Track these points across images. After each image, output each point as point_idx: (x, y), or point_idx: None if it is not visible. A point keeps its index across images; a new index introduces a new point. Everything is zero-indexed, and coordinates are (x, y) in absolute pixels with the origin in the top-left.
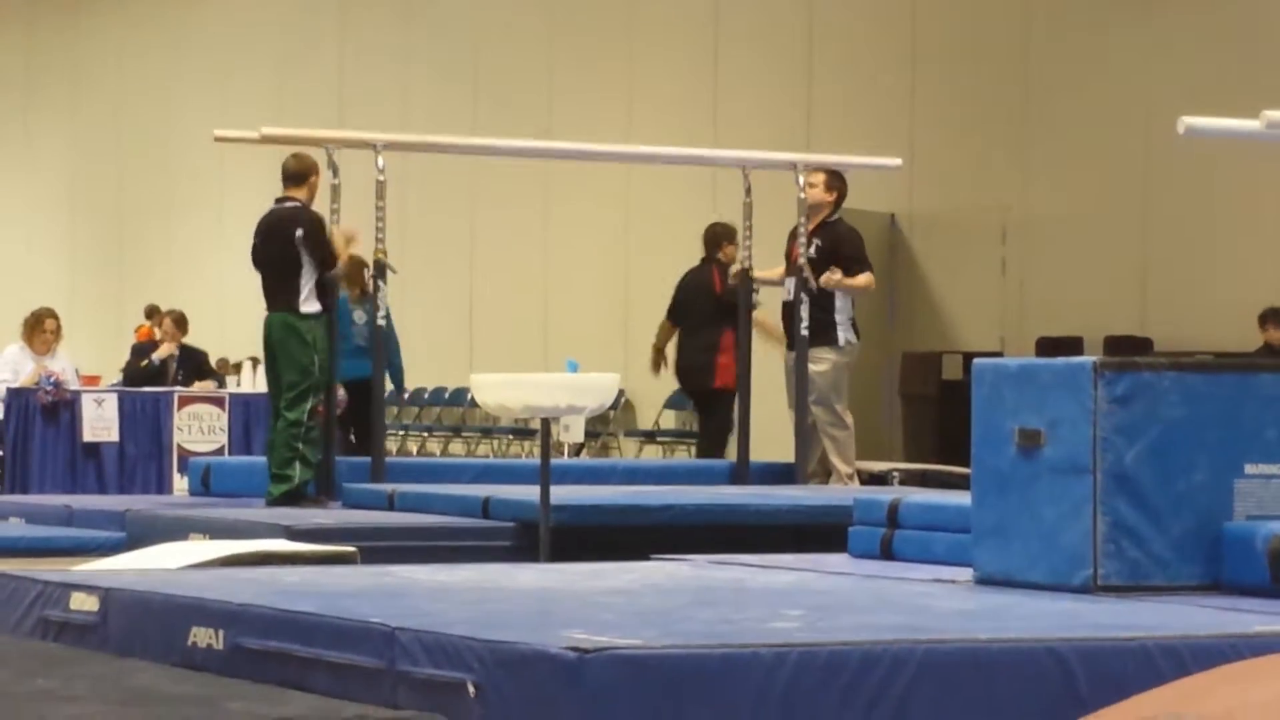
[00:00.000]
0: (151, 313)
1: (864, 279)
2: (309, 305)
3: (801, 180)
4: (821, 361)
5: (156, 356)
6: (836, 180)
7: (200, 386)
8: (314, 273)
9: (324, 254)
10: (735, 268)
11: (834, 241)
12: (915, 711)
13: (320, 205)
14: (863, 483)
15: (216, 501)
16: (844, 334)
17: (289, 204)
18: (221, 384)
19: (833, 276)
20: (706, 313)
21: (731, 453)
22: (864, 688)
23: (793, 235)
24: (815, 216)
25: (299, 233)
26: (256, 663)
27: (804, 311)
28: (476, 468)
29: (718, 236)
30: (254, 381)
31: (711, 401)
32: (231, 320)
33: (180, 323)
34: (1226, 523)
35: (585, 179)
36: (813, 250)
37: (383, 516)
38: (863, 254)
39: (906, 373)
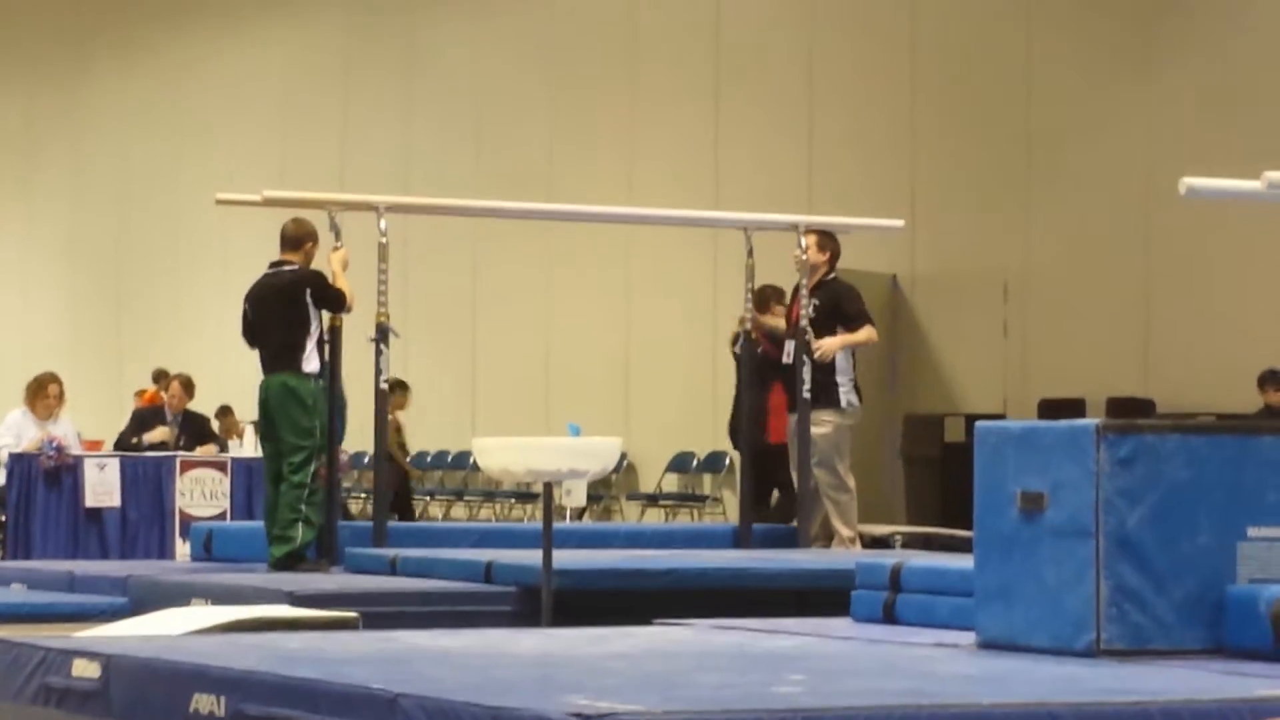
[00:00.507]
0: (159, 377)
1: (864, 333)
2: (310, 364)
3: (804, 242)
4: (823, 424)
5: (149, 439)
6: (828, 240)
7: (202, 451)
8: (318, 330)
9: (338, 301)
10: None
11: (833, 299)
12: None
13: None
14: (865, 546)
15: (219, 567)
16: (846, 395)
17: (286, 269)
18: (224, 448)
19: (826, 344)
20: (756, 373)
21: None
22: None
23: (793, 296)
24: (812, 277)
25: (308, 294)
26: None
27: (805, 374)
28: (478, 532)
29: (767, 298)
30: (256, 445)
31: (764, 459)
32: (233, 381)
33: (188, 386)
34: (1229, 586)
35: (587, 240)
36: (811, 310)
37: (385, 581)
38: (862, 309)
39: (908, 435)
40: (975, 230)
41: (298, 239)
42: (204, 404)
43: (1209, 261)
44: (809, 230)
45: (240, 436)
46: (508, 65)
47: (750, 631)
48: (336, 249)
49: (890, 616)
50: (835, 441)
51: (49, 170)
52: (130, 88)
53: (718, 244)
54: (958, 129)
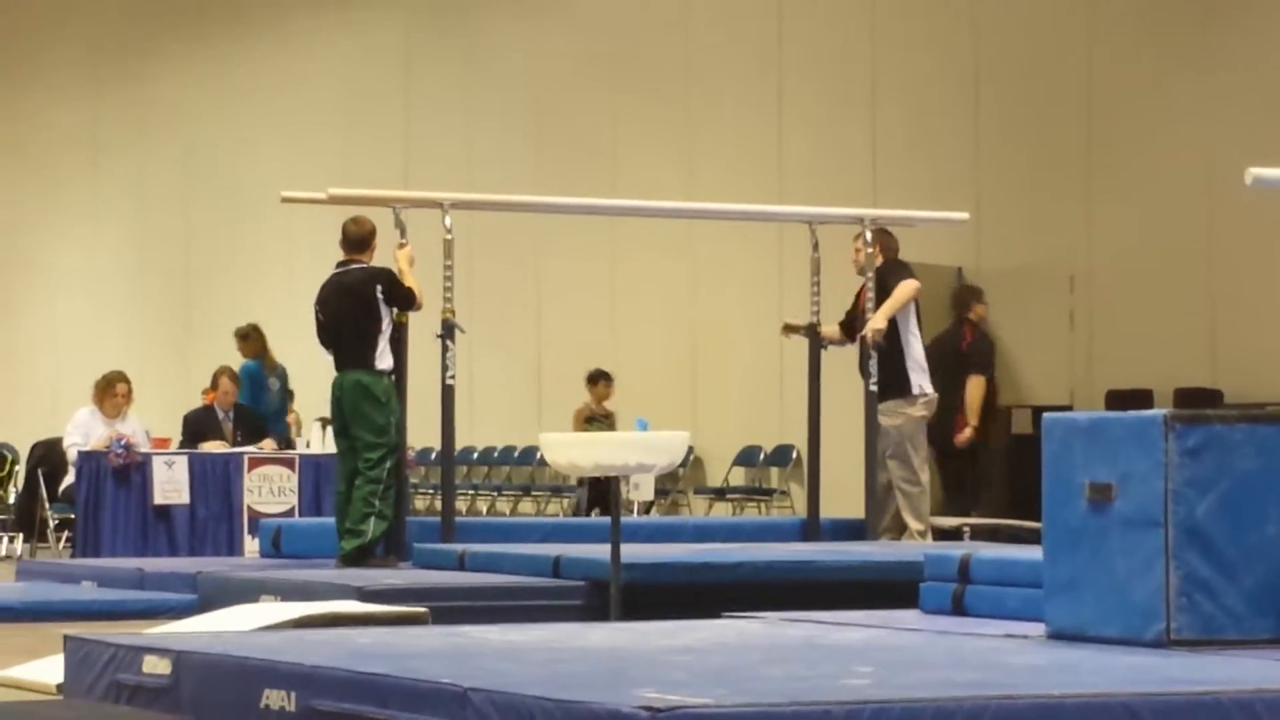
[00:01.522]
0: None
1: (899, 291)
2: (383, 362)
3: (869, 235)
4: (896, 415)
5: (205, 449)
6: (879, 235)
7: (264, 445)
8: (390, 328)
9: (409, 299)
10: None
11: (881, 280)
12: None
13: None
14: (934, 538)
15: (288, 563)
16: (917, 382)
17: (355, 267)
18: (289, 443)
19: (873, 326)
20: (949, 370)
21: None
22: None
23: (858, 298)
24: (870, 270)
25: (379, 291)
26: None
27: (873, 368)
28: (546, 527)
29: (966, 297)
30: (323, 443)
31: (956, 455)
32: (299, 378)
33: (235, 379)
34: None
35: (650, 234)
36: (872, 301)
37: (453, 577)
38: (901, 275)
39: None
40: (1040, 222)
41: (363, 239)
42: None
43: (1274, 250)
44: (870, 225)
45: (298, 428)
46: (567, 61)
47: (819, 624)
48: (402, 246)
49: (959, 608)
50: (908, 432)
51: (114, 173)
52: (192, 90)
53: (782, 237)
54: (1021, 121)
